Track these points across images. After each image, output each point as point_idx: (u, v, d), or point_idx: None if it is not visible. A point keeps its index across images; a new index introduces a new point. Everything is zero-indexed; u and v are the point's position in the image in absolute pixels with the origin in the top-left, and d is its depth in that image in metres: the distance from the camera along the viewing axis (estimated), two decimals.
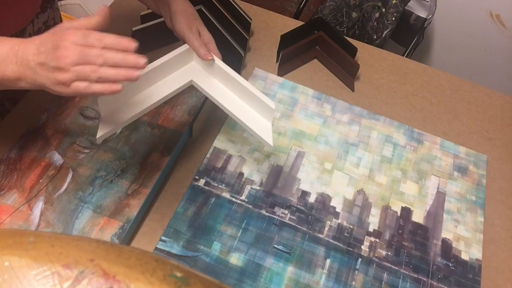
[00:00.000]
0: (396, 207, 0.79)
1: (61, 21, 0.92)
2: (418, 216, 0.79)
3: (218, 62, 0.67)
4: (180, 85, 0.66)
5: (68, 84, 0.51)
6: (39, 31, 0.83)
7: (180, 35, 0.69)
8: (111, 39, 0.51)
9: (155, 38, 0.93)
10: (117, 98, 0.61)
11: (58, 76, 0.51)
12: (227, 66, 0.68)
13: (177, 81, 0.66)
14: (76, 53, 0.50)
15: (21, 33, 0.78)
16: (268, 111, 0.68)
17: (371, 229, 0.76)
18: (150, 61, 0.65)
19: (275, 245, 0.72)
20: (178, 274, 0.37)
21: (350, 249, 0.73)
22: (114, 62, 0.51)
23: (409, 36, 1.52)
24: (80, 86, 0.51)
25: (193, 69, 0.69)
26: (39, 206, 0.68)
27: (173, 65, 0.67)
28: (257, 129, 0.67)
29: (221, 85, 0.69)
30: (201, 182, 0.77)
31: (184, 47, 0.68)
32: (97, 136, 0.58)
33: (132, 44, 0.51)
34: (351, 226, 0.76)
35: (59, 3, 0.88)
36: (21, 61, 0.52)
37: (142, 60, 0.52)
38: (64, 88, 0.52)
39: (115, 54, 0.51)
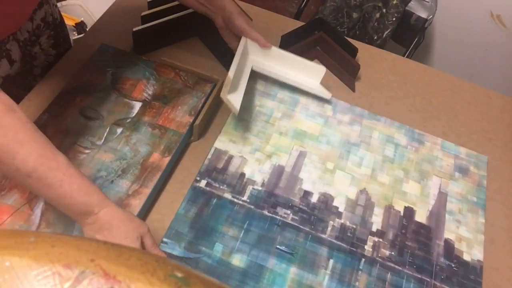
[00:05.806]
0: (399, 207, 0.79)
1: (60, 16, 0.92)
2: (421, 216, 0.78)
3: (273, 47, 0.87)
4: (248, 75, 0.85)
5: None
6: (38, 28, 0.83)
7: (239, 31, 0.82)
8: None
9: (156, 39, 0.93)
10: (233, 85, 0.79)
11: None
12: (278, 48, 0.88)
13: (247, 73, 0.85)
14: None
15: (20, 32, 0.79)
16: (319, 72, 0.89)
17: (374, 229, 0.76)
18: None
19: (277, 246, 0.71)
20: (179, 275, 0.37)
21: (353, 249, 0.73)
22: None
23: (410, 37, 1.51)
24: None
25: (252, 61, 0.88)
26: (39, 206, 0.68)
27: (243, 63, 0.84)
28: (312, 87, 0.90)
29: (275, 65, 0.89)
30: (203, 183, 0.77)
31: (241, 46, 0.82)
32: (236, 109, 0.76)
33: None
34: (354, 226, 0.75)
35: (59, 3, 0.89)
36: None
37: None
38: None
39: None
